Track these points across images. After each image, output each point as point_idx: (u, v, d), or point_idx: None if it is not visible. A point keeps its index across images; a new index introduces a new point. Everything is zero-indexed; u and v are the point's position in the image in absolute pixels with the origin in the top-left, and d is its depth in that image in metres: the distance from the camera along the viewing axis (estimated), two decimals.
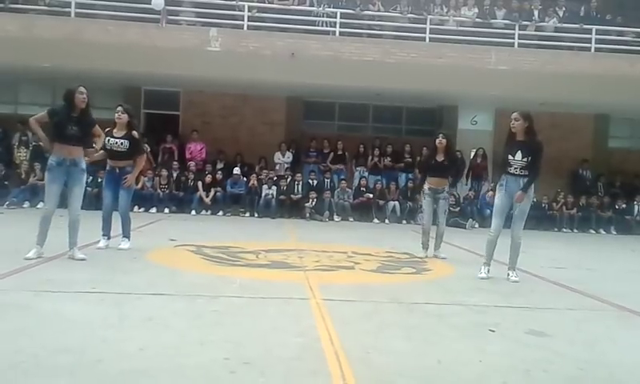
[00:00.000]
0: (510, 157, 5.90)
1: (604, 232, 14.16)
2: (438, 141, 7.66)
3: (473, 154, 15.06)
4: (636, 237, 13.57)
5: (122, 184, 6.65)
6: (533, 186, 5.95)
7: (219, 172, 13.78)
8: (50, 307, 3.92)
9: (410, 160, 14.89)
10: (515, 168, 5.88)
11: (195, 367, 2.87)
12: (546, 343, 3.67)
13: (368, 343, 3.44)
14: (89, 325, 3.52)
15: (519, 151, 5.89)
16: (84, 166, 5.88)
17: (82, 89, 5.75)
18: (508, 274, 6.03)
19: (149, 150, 13.91)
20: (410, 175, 14.68)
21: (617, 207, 14.57)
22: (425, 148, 14.97)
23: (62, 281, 4.79)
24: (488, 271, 6.09)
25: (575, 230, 14.07)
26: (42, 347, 3.06)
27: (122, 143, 6.66)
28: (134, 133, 6.79)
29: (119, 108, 6.78)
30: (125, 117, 6.71)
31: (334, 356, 3.15)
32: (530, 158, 5.85)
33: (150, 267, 5.70)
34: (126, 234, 6.82)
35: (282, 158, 14.74)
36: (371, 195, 13.88)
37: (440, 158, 7.59)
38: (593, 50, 13.65)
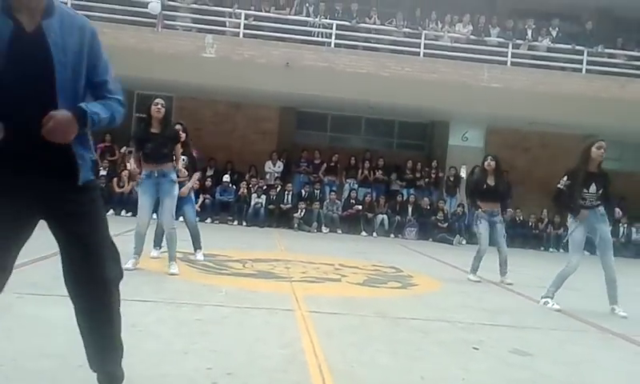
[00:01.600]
0: (585, 190, 5.63)
1: (588, 253, 14.22)
2: (486, 163, 7.30)
3: (463, 170, 15.16)
4: (621, 259, 13.67)
5: (182, 193, 6.58)
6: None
7: (208, 179, 13.75)
8: (33, 311, 3.88)
9: (411, 176, 14.93)
10: (590, 201, 5.65)
11: (178, 376, 2.85)
12: (529, 363, 3.68)
13: (352, 357, 3.44)
14: (71, 330, 3.43)
15: (593, 184, 5.65)
16: (174, 177, 5.88)
17: (157, 100, 5.74)
18: (613, 309, 5.68)
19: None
20: (412, 191, 14.67)
21: None
22: (419, 163, 15.12)
23: (46, 284, 4.73)
24: (554, 303, 5.68)
25: (562, 250, 14.12)
26: (22, 351, 3.02)
27: (183, 159, 6.61)
28: (192, 150, 6.90)
29: (179, 126, 6.64)
30: (184, 135, 6.65)
31: (318, 369, 3.14)
32: (602, 190, 5.68)
33: (135, 274, 5.65)
34: (199, 246, 6.99)
35: (273, 168, 14.75)
36: (360, 207, 13.90)
37: (491, 181, 7.25)
38: (584, 71, 13.82)
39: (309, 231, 13.00)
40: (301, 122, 16.28)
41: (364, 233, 13.62)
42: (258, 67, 12.67)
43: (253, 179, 14.10)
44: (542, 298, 5.81)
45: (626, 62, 14.31)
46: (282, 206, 13.62)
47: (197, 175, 7.08)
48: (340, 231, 13.52)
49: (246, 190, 13.55)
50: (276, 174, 14.64)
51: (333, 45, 13.40)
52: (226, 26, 13.46)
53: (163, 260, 6.55)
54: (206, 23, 13.24)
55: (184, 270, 6.15)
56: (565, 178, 5.77)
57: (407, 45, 13.75)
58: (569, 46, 14.17)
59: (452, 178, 14.99)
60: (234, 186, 13.72)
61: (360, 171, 14.81)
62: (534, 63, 13.98)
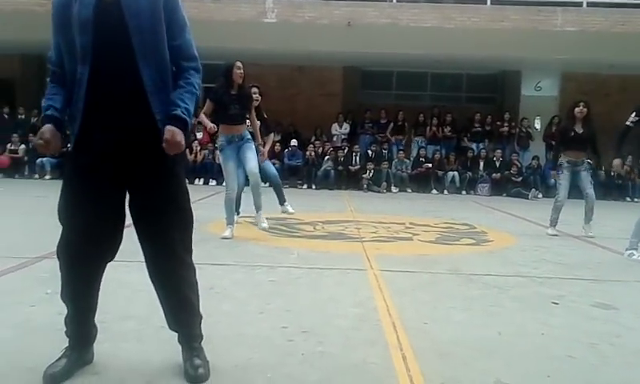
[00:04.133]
0: None
1: None
2: (578, 109, 6.91)
3: (537, 122, 14.53)
4: None
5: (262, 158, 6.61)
6: None
7: (277, 144, 13.88)
8: (115, 276, 4.05)
9: (479, 129, 14.50)
10: None
11: (255, 335, 2.93)
12: (612, 316, 3.53)
13: (426, 314, 3.42)
14: (152, 293, 3.61)
15: None
16: (249, 136, 5.96)
17: (239, 64, 5.83)
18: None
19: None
20: (481, 145, 14.30)
21: None
22: (489, 117, 14.60)
23: (125, 251, 4.93)
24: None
25: None
26: (108, 314, 3.18)
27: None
28: (264, 112, 6.93)
29: (255, 89, 6.71)
30: (260, 98, 6.70)
31: (392, 326, 3.15)
32: None
33: (210, 238, 5.83)
34: (283, 200, 7.02)
35: (340, 130, 14.69)
36: (430, 165, 13.66)
37: (579, 129, 6.90)
38: None
39: (378, 191, 12.93)
40: (365, 81, 16.05)
41: (435, 191, 13.40)
42: (319, 28, 12.55)
43: (317, 142, 14.07)
44: (626, 250, 5.53)
45: None
46: (350, 167, 13.59)
47: (272, 137, 7.18)
48: (410, 190, 13.37)
49: (313, 153, 13.59)
50: (343, 136, 14.58)
51: (395, 0, 13.04)
52: None
53: (241, 225, 6.72)
54: None
55: (256, 234, 6.29)
56: (633, 115, 5.46)
57: None
58: None
59: (525, 130, 14.40)
60: (301, 150, 13.80)
61: (428, 128, 14.49)
62: (612, 2, 13.07)
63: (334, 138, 14.59)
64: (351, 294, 3.84)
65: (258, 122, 6.35)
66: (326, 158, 13.59)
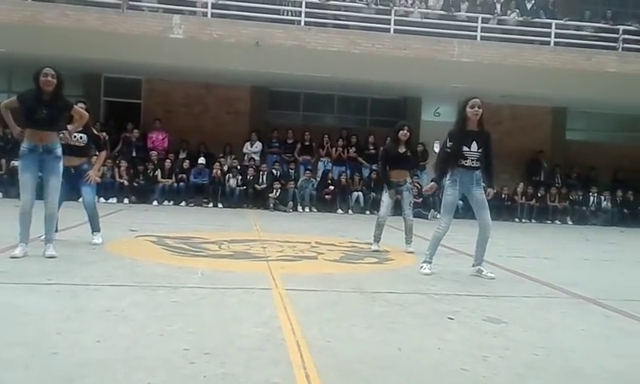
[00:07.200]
0: (465, 148, 5.56)
1: (559, 222, 14.57)
2: (402, 133, 7.26)
3: (436, 145, 15.22)
4: (591, 227, 14.00)
5: (84, 180, 6.32)
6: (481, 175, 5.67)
7: (186, 162, 13.60)
8: (3, 299, 3.80)
9: (373, 151, 14.96)
10: (472, 160, 5.58)
11: (154, 358, 2.83)
12: (502, 330, 3.75)
13: (330, 332, 3.46)
14: (44, 317, 3.43)
15: (474, 142, 5.57)
16: (59, 152, 5.45)
17: (46, 70, 5.29)
18: (480, 270, 5.76)
19: (107, 138, 13.64)
20: (374, 166, 14.77)
21: (573, 198, 15.01)
22: (389, 139, 15.10)
23: (16, 272, 4.66)
24: (431, 268, 5.74)
25: (533, 221, 14.42)
26: None
27: (80, 137, 6.31)
28: (94, 129, 6.57)
29: (81, 105, 6.29)
30: (87, 115, 6.34)
31: (296, 345, 3.15)
32: (483, 149, 5.59)
33: (109, 258, 5.59)
34: (97, 229, 6.61)
35: (251, 148, 14.63)
36: (333, 187, 13.88)
37: (402, 149, 7.29)
38: (552, 43, 13.97)
39: (284, 211, 12.98)
40: (273, 101, 16.13)
41: (340, 211, 13.65)
42: (227, 47, 12.51)
43: (222, 159, 13.92)
44: (421, 263, 5.82)
45: (593, 34, 14.52)
46: (256, 186, 13.55)
47: (103, 155, 6.77)
48: (316, 210, 13.53)
49: (219, 172, 13.43)
50: (253, 155, 14.51)
51: (303, 23, 13.28)
52: (193, 6, 13.23)
53: (142, 245, 6.49)
54: (173, 3, 12.99)
55: (159, 253, 6.11)
56: (448, 140, 5.74)
57: (377, 21, 13.70)
58: (536, 20, 14.30)
59: (420, 154, 15.00)
60: (208, 168, 13.59)
61: (334, 150, 14.77)
62: (503, 37, 14.08)
63: (245, 157, 14.49)
64: (255, 313, 3.81)
65: (82, 136, 6.22)
66: (229, 175, 13.43)
